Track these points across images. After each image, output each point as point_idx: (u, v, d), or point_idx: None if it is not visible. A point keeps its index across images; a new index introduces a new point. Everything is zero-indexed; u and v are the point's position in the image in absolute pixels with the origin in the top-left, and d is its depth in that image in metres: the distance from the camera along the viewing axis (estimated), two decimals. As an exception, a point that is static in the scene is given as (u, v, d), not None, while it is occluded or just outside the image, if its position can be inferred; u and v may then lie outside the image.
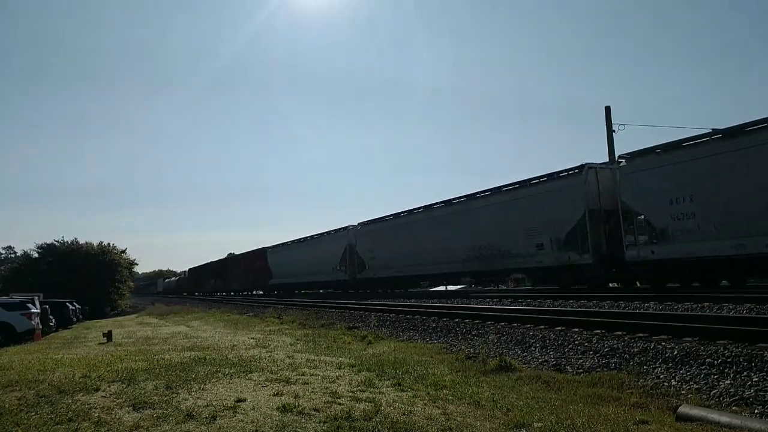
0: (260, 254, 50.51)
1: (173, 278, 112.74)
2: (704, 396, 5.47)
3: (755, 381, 5.52)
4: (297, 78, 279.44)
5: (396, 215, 30.83)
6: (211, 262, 71.20)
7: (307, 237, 42.34)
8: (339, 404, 5.28)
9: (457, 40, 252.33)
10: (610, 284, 19.38)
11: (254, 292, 54.37)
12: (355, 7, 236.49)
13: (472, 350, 8.89)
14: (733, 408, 5.02)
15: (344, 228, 36.34)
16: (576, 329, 9.25)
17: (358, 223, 35.21)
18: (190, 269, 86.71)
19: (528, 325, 10.42)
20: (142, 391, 5.88)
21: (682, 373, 6.21)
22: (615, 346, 7.73)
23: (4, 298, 19.59)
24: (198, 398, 5.57)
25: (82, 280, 41.80)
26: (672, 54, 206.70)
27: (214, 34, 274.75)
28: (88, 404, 5.38)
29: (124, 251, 50.65)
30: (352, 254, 34.54)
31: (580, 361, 7.52)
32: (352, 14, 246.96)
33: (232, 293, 58.97)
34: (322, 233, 39.81)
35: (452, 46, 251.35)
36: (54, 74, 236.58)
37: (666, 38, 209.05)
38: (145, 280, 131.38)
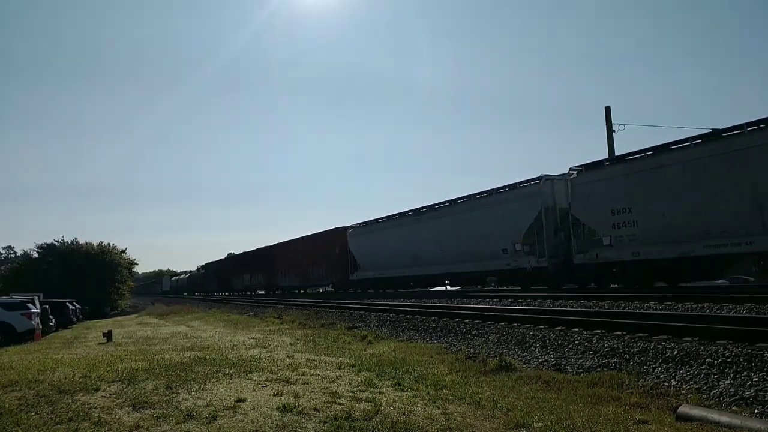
0: (334, 237, 36.74)
1: (183, 275, 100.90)
2: (704, 396, 5.47)
3: (755, 381, 5.52)
4: (297, 78, 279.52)
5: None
6: (246, 253, 57.17)
7: (435, 204, 27.12)
8: (339, 404, 5.28)
9: (457, 40, 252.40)
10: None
11: (321, 290, 42.85)
12: (355, 7, 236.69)
13: (472, 350, 8.89)
14: (733, 408, 5.02)
15: (533, 180, 20.93)
16: (576, 329, 9.26)
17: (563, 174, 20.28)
18: (206, 264, 74.71)
19: (528, 325, 10.42)
20: (142, 391, 5.88)
21: (682, 373, 6.21)
22: (615, 346, 7.73)
23: (4, 298, 19.58)
24: (198, 398, 5.57)
25: (82, 280, 41.80)
26: (672, 54, 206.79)
27: (214, 34, 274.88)
28: (88, 404, 5.37)
29: (124, 251, 50.72)
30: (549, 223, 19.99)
31: (580, 361, 7.52)
32: (352, 14, 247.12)
33: (278, 291, 47.20)
34: (480, 194, 23.83)
35: (452, 46, 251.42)
36: (54, 74, 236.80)
37: (666, 38, 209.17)
38: (145, 280, 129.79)
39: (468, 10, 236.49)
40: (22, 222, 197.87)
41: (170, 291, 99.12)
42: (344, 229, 35.99)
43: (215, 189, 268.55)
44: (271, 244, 49.39)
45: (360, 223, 34.62)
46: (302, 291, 44.68)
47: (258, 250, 52.40)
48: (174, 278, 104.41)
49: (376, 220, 32.86)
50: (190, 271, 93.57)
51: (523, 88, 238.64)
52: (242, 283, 56.92)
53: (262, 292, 52.51)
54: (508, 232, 21.15)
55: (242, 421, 4.71)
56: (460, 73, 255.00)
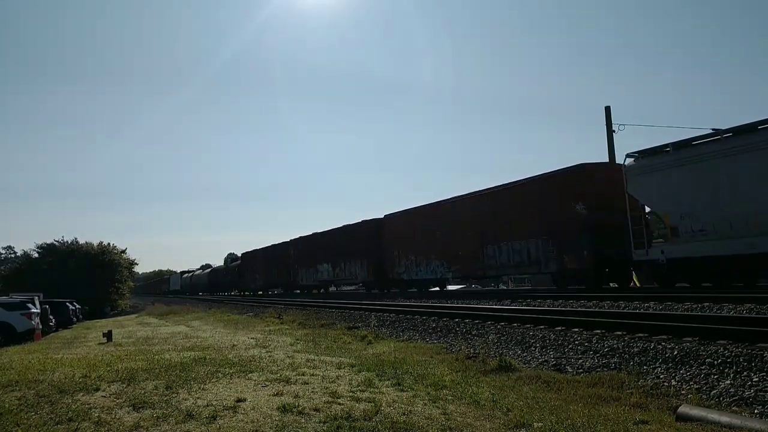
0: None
1: (198, 271, 79.00)
2: (704, 396, 5.47)
3: (755, 381, 5.52)
4: (297, 78, 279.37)
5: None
6: (328, 231, 36.53)
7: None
8: (339, 404, 5.28)
9: (457, 40, 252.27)
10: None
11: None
12: (355, 7, 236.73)
13: (472, 350, 8.89)
14: (733, 408, 5.02)
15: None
16: (576, 329, 9.26)
17: None
18: (244, 254, 54.61)
19: (528, 325, 10.42)
20: (142, 391, 5.88)
21: (682, 373, 6.21)
22: (615, 346, 7.73)
23: (4, 298, 19.58)
24: (198, 398, 5.57)
25: (82, 280, 41.82)
26: (672, 54, 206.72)
27: (214, 34, 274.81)
28: (88, 404, 5.37)
29: (124, 251, 50.73)
30: None
31: (580, 361, 7.52)
32: (353, 14, 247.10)
33: (388, 289, 30.62)
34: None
35: (452, 46, 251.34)
36: (54, 74, 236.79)
37: (666, 38, 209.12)
38: (145, 280, 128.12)
39: (468, 10, 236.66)
40: (22, 222, 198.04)
41: (180, 290, 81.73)
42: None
43: (215, 189, 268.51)
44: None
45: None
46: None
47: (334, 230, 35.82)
48: (186, 275, 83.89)
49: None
50: (210, 265, 76.92)
51: (523, 88, 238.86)
52: (317, 275, 37.74)
53: (353, 288, 38.81)
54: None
55: (242, 421, 4.71)
56: (460, 73, 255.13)
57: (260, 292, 50.80)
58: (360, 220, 32.46)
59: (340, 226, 34.48)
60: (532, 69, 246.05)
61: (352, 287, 39.30)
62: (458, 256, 23.78)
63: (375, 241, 29.84)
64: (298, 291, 42.14)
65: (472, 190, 23.50)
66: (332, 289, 40.27)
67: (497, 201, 21.62)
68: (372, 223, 30.86)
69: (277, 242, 45.93)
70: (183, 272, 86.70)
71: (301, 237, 40.63)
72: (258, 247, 50.93)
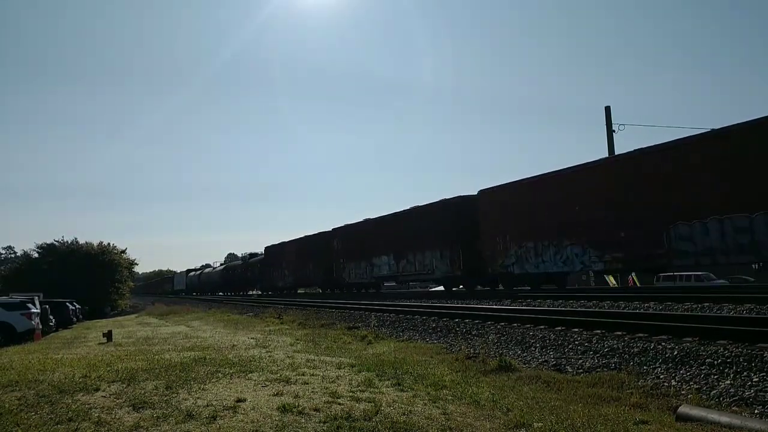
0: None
1: (208, 269, 71.51)
2: (704, 396, 5.47)
3: (755, 381, 5.52)
4: (297, 78, 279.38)
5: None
6: (389, 216, 29.65)
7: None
8: (339, 404, 5.28)
9: (457, 40, 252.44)
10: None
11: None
12: (355, 7, 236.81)
13: (472, 350, 8.89)
14: (733, 408, 5.02)
15: None
16: (576, 329, 9.26)
17: None
18: (268, 248, 47.53)
19: (528, 325, 10.42)
20: (142, 391, 5.88)
21: (682, 373, 6.22)
22: (615, 346, 7.74)
23: (4, 298, 19.57)
24: (198, 398, 5.57)
25: (82, 280, 41.77)
26: (672, 54, 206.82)
27: (214, 34, 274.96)
28: (88, 404, 5.37)
29: (124, 251, 50.64)
30: None
31: (580, 361, 7.52)
32: (353, 14, 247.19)
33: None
34: None
35: (452, 46, 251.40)
36: (54, 74, 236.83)
37: (666, 38, 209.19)
38: (146, 280, 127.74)
39: (468, 10, 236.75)
40: (22, 222, 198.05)
41: (185, 290, 75.47)
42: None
43: (215, 189, 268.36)
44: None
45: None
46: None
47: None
48: (194, 273, 76.00)
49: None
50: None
51: (523, 88, 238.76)
52: (372, 270, 30.30)
53: (431, 286, 31.82)
54: None
55: (242, 421, 4.71)
56: (460, 73, 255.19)
57: (292, 290, 43.98)
58: (438, 200, 25.24)
59: (408, 208, 27.77)
60: (532, 69, 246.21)
61: (428, 285, 32.82)
62: (617, 238, 16.85)
63: (463, 224, 23.09)
64: (338, 290, 35.23)
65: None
66: (385, 285, 33.64)
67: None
68: (458, 201, 23.95)
69: (311, 233, 38.99)
70: (188, 270, 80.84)
71: (347, 225, 33.97)
72: (285, 240, 43.86)
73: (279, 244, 45.08)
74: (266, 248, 48.63)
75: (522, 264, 20.49)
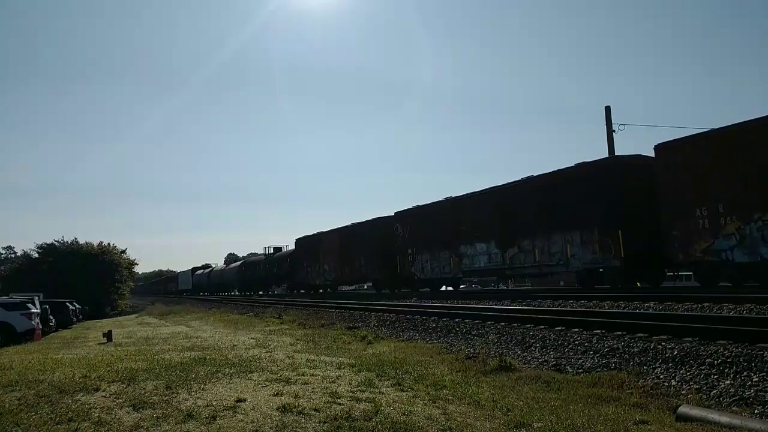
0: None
1: (224, 266, 65.74)
2: (704, 396, 5.47)
3: (755, 381, 5.52)
4: (297, 78, 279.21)
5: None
6: (488, 190, 22.36)
7: None
8: (339, 404, 5.28)
9: (457, 40, 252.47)
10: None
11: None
12: (355, 7, 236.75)
13: (472, 350, 8.90)
14: (733, 408, 5.03)
15: None
16: (576, 329, 9.26)
17: None
18: (299, 239, 41.42)
19: (528, 325, 10.42)
20: (142, 391, 5.88)
21: (682, 373, 6.22)
22: (615, 346, 7.74)
23: (4, 298, 19.56)
24: (198, 398, 5.57)
25: (82, 280, 41.78)
26: (672, 54, 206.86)
27: (214, 34, 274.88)
28: (88, 404, 5.37)
29: (124, 251, 50.69)
30: None
31: (580, 361, 7.52)
32: (353, 14, 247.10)
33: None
34: None
35: (452, 46, 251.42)
36: (54, 74, 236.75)
37: (666, 38, 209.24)
38: (146, 280, 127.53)
39: (468, 10, 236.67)
40: (22, 222, 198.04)
41: (191, 290, 70.36)
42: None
43: (215, 189, 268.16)
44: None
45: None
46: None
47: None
48: (202, 272, 69.91)
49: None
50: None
51: (523, 88, 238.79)
52: (461, 263, 23.56)
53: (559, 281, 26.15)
54: None
55: (242, 421, 4.71)
56: (460, 73, 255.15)
57: (330, 289, 37.34)
58: (576, 163, 18.52)
59: (522, 178, 20.90)
60: (532, 69, 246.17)
61: (467, 282, 27.10)
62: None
63: (622, 195, 16.78)
64: (406, 289, 28.33)
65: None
66: (465, 284, 27.18)
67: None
68: (609, 164, 18.08)
69: (359, 221, 32.97)
70: (194, 269, 74.88)
71: (417, 206, 27.36)
72: (324, 230, 37.51)
73: (314, 234, 38.56)
74: (297, 240, 42.07)
75: (754, 246, 13.63)
